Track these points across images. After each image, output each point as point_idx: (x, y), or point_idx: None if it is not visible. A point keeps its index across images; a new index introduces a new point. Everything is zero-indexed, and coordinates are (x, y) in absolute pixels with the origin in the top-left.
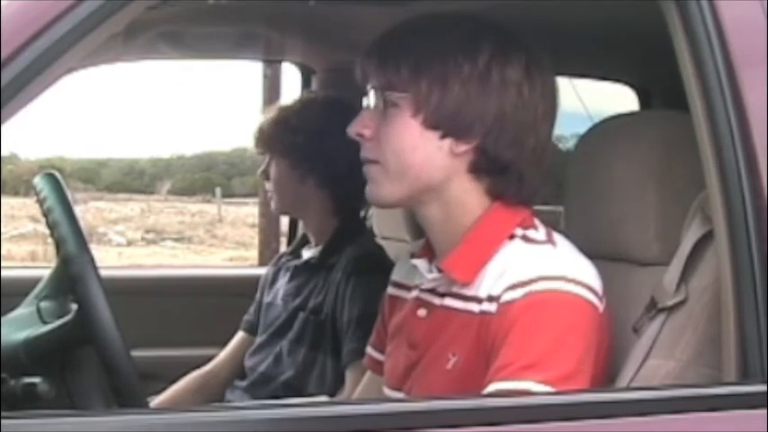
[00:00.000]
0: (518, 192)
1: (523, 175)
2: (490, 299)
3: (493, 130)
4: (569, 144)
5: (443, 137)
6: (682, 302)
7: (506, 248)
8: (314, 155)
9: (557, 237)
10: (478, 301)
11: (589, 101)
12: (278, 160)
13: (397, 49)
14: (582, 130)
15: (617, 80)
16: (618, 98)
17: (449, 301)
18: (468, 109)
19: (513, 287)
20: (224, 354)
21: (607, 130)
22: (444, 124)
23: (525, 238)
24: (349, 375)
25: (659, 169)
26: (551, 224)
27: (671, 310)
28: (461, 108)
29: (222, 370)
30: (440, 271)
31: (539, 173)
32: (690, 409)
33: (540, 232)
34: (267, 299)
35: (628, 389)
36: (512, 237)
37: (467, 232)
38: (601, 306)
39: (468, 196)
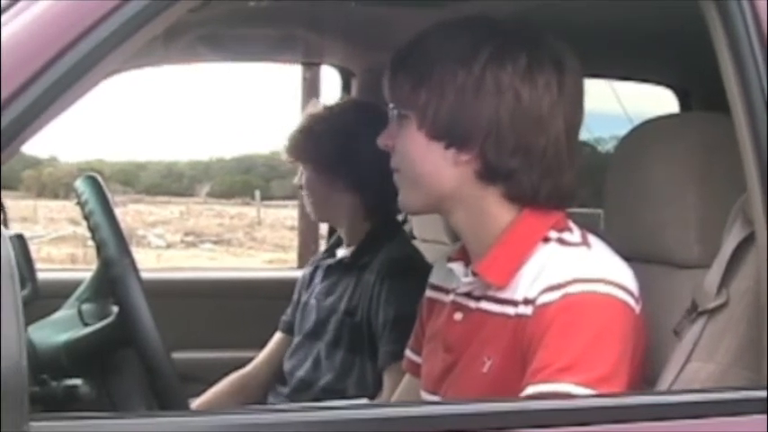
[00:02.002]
0: (536, 194)
1: (538, 178)
2: (526, 302)
3: (490, 137)
4: (608, 146)
5: (447, 147)
6: (723, 305)
7: (541, 251)
8: (339, 160)
9: (592, 238)
10: (514, 304)
11: (628, 103)
12: (306, 167)
13: (403, 64)
14: (621, 132)
15: (657, 82)
16: (658, 100)
17: (484, 305)
18: (464, 117)
19: (548, 290)
20: (263, 355)
21: (647, 132)
22: (444, 134)
23: (561, 241)
24: (386, 378)
25: (700, 171)
26: (589, 227)
27: (712, 312)
28: (457, 117)
29: (261, 371)
30: (474, 275)
31: (560, 173)
32: (726, 412)
33: (575, 234)
34: (304, 298)
35: (671, 392)
36: (547, 239)
37: (500, 236)
38: (637, 307)
39: (487, 202)
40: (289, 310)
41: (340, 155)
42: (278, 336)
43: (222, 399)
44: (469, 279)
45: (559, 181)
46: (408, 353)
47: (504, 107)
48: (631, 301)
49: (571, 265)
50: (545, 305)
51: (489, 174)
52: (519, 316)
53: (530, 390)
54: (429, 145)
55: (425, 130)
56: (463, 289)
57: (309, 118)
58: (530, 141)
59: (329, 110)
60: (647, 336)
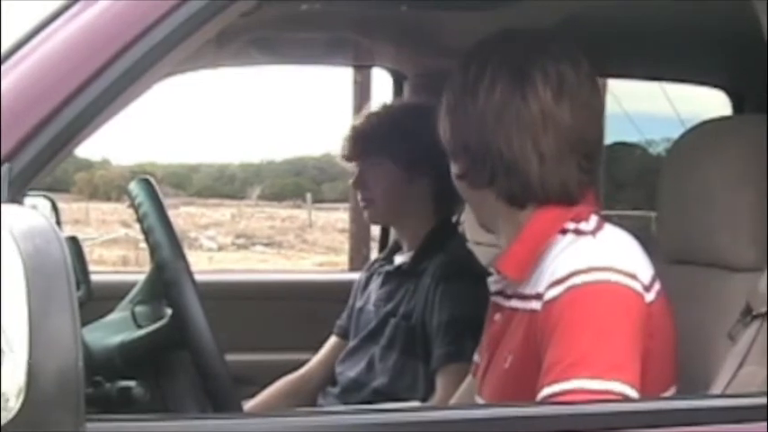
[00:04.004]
0: (512, 192)
1: (506, 177)
2: (537, 296)
3: (459, 149)
4: (659, 148)
5: (453, 163)
6: None
7: (559, 244)
8: (424, 156)
9: (605, 227)
10: (529, 299)
11: (680, 105)
12: (382, 163)
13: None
14: (673, 134)
15: (709, 84)
16: (711, 102)
17: (513, 302)
18: (445, 133)
19: (553, 284)
20: (316, 358)
21: (700, 135)
22: (447, 150)
23: (576, 231)
24: (438, 380)
25: (754, 174)
26: (635, 228)
27: (767, 316)
28: (443, 133)
29: (315, 374)
30: (498, 272)
31: (523, 170)
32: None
33: (589, 224)
34: (359, 303)
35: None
36: (564, 231)
37: (517, 233)
38: (648, 294)
39: (492, 206)
40: (344, 315)
41: (426, 151)
42: (332, 340)
43: (275, 401)
44: (494, 277)
45: (527, 176)
46: (476, 356)
47: (455, 120)
48: (638, 288)
49: (574, 257)
50: (552, 301)
51: (471, 180)
52: (532, 311)
53: (545, 391)
54: (451, 161)
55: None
56: (495, 287)
57: (388, 112)
58: (486, 144)
59: (407, 105)
60: (672, 327)
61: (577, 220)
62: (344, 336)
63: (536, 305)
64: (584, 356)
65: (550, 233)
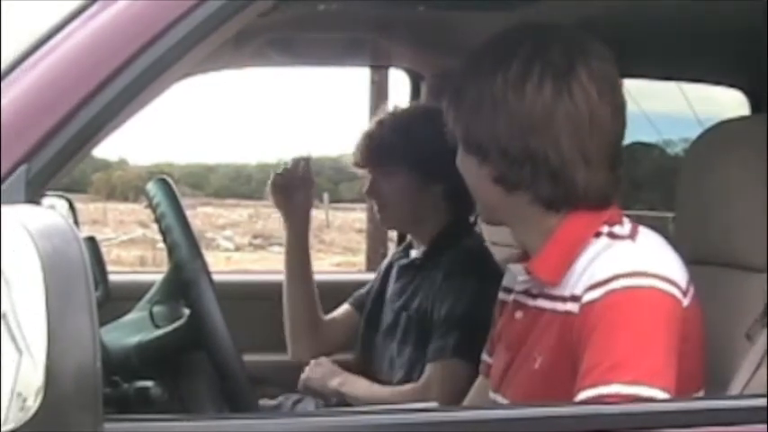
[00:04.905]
0: (555, 196)
1: (550, 180)
2: (573, 298)
3: (497, 149)
4: (677, 149)
5: (479, 162)
6: None
7: (593, 246)
8: (437, 161)
9: (642, 231)
10: (563, 300)
11: (698, 105)
12: (397, 171)
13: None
14: (691, 134)
15: (727, 84)
16: (728, 102)
17: (540, 302)
18: (475, 131)
19: (592, 287)
20: (329, 317)
21: (718, 134)
22: (470, 149)
23: (611, 235)
24: (427, 372)
25: None
26: (658, 229)
27: None
28: (471, 131)
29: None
30: (529, 273)
31: (570, 173)
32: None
33: (624, 228)
34: (376, 286)
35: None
36: (598, 234)
37: (550, 235)
38: (684, 299)
39: (523, 210)
40: (364, 290)
41: (441, 157)
42: (346, 307)
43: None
44: (524, 278)
45: (573, 181)
46: (484, 356)
47: (500, 117)
48: (677, 293)
49: (614, 261)
50: (590, 303)
51: (508, 183)
52: (567, 313)
53: (584, 394)
54: (467, 159)
55: (461, 145)
56: (521, 287)
57: (399, 118)
58: (531, 147)
59: (418, 111)
60: (702, 331)
61: (611, 223)
62: (358, 307)
63: (572, 307)
64: (623, 360)
65: (585, 236)
